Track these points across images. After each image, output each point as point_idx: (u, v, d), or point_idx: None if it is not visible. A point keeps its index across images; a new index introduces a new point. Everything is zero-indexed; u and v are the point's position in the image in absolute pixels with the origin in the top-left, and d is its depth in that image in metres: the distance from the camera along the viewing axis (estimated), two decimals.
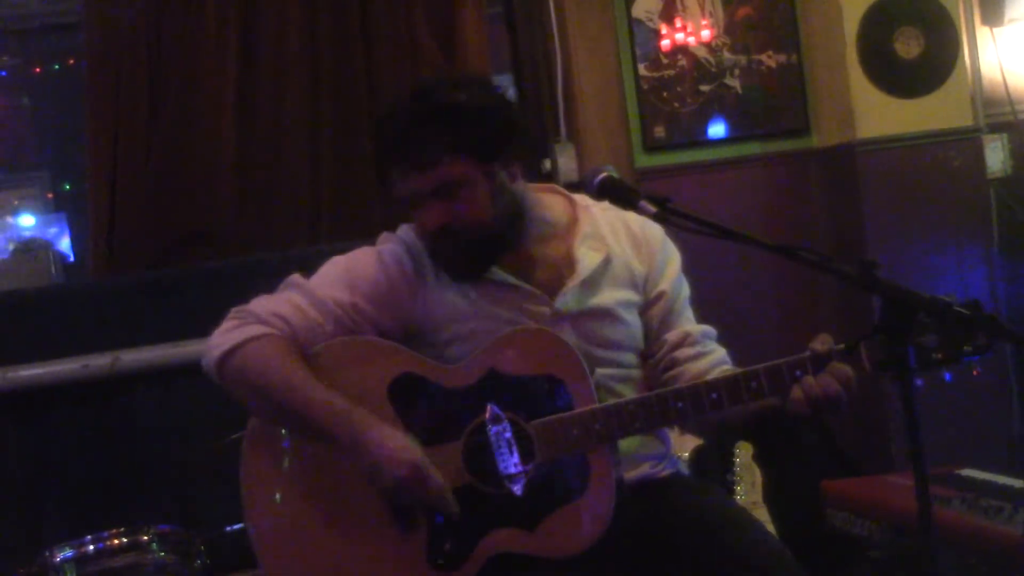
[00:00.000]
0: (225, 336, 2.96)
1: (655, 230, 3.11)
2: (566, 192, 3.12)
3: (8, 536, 4.21)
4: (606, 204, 2.98)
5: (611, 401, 2.88)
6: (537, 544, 2.84)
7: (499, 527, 2.86)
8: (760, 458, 3.97)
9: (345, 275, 3.04)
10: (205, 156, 4.59)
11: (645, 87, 4.91)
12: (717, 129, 5.03)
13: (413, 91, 2.92)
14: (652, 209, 2.75)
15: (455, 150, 2.87)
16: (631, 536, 2.88)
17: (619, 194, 2.82)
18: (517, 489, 2.86)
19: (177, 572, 3.29)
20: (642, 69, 4.91)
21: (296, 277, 3.05)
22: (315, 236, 4.59)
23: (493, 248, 2.98)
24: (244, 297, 3.10)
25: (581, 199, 3.11)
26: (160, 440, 4.35)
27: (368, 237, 3.17)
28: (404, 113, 2.89)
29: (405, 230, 3.09)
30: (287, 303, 2.99)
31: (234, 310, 3.02)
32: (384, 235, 3.13)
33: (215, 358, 2.95)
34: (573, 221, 3.09)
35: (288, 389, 2.88)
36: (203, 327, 4.28)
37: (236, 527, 3.08)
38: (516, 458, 2.86)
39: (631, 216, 3.06)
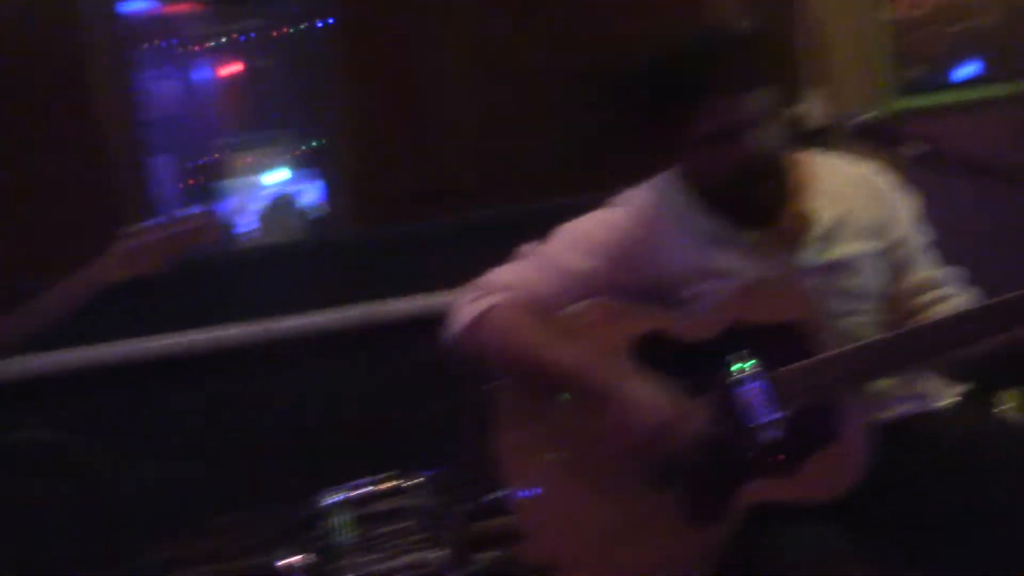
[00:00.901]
0: (466, 308, 3.00)
1: (889, 178, 3.05)
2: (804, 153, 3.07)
3: (284, 481, 4.37)
4: (837, 156, 2.95)
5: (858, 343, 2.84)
6: (794, 492, 2.80)
7: (753, 478, 2.83)
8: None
9: (581, 240, 3.03)
10: (449, 110, 4.64)
11: (895, 28, 4.78)
12: (969, 69, 4.89)
13: (706, 26, 2.86)
14: (920, 148, 2.73)
15: (769, 79, 2.81)
16: (889, 479, 2.82)
17: (882, 135, 2.79)
18: (769, 439, 2.83)
19: (444, 516, 3.38)
20: (892, 9, 4.79)
21: (530, 246, 3.06)
22: (558, 190, 4.57)
23: (781, 192, 2.95)
24: (489, 251, 3.13)
25: (812, 153, 3.06)
26: (417, 389, 4.44)
27: (607, 190, 3.14)
28: (719, 40, 2.83)
29: (660, 181, 3.06)
30: (525, 271, 3.02)
31: (473, 283, 3.05)
32: (625, 193, 3.10)
33: (458, 331, 3.01)
34: (807, 175, 3.04)
35: (531, 352, 2.89)
36: (451, 280, 4.39)
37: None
38: (766, 408, 2.83)
39: (863, 166, 3.01)
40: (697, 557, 2.84)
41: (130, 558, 4.19)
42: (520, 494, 2.96)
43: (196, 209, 2.97)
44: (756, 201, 2.92)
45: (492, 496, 3.05)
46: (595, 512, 2.90)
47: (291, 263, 4.72)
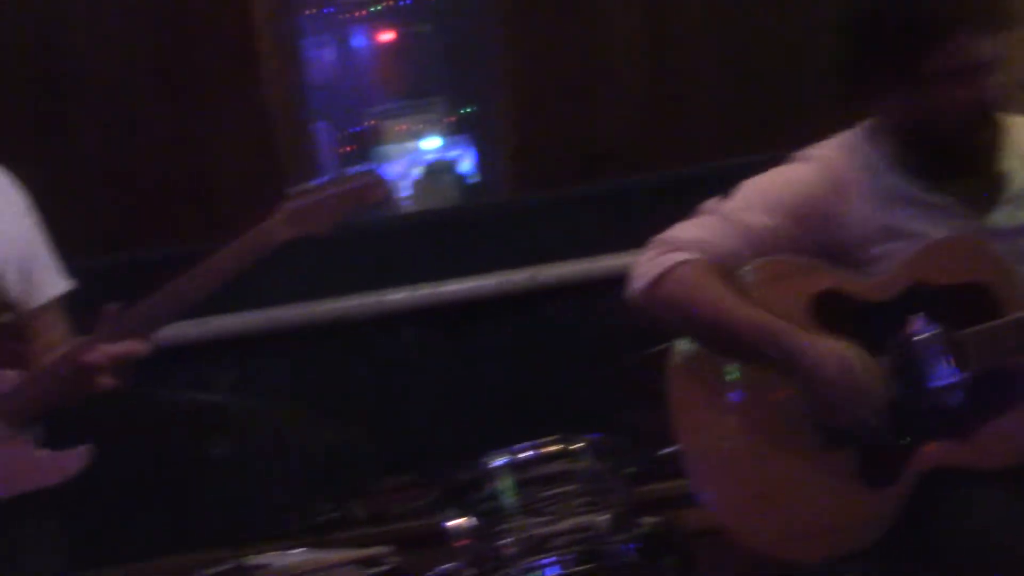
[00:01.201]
0: (649, 265, 2.97)
1: None
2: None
3: (445, 443, 4.39)
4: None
5: None
6: (972, 456, 2.77)
7: (932, 440, 2.79)
8: None
9: (765, 197, 2.99)
10: (615, 70, 4.58)
11: None
12: None
13: None
14: None
15: (1009, 23, 2.76)
16: None
17: None
18: (951, 400, 2.78)
19: (609, 479, 3.35)
20: None
21: (714, 202, 3.01)
22: (727, 150, 4.49)
23: (991, 145, 2.90)
24: (654, 216, 3.11)
25: (1008, 113, 2.96)
26: (579, 352, 4.45)
27: (776, 150, 3.11)
28: None
29: (850, 137, 3.01)
30: (707, 228, 2.98)
31: (655, 239, 3.02)
32: (812, 149, 3.05)
33: (641, 287, 2.97)
34: (1004, 135, 2.94)
35: (715, 311, 2.87)
36: (616, 243, 4.37)
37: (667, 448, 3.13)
38: (948, 369, 2.78)
39: None
40: (871, 518, 2.83)
41: (296, 519, 4.26)
42: (692, 452, 2.96)
43: (364, 168, 2.96)
44: (966, 152, 2.88)
45: (663, 452, 3.05)
46: (768, 472, 2.89)
47: (450, 229, 4.74)
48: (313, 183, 2.93)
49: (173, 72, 4.55)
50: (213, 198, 4.52)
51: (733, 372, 2.94)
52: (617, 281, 4.35)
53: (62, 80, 4.56)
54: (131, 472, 4.34)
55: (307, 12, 6.38)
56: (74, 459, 2.82)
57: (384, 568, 3.56)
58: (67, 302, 3.07)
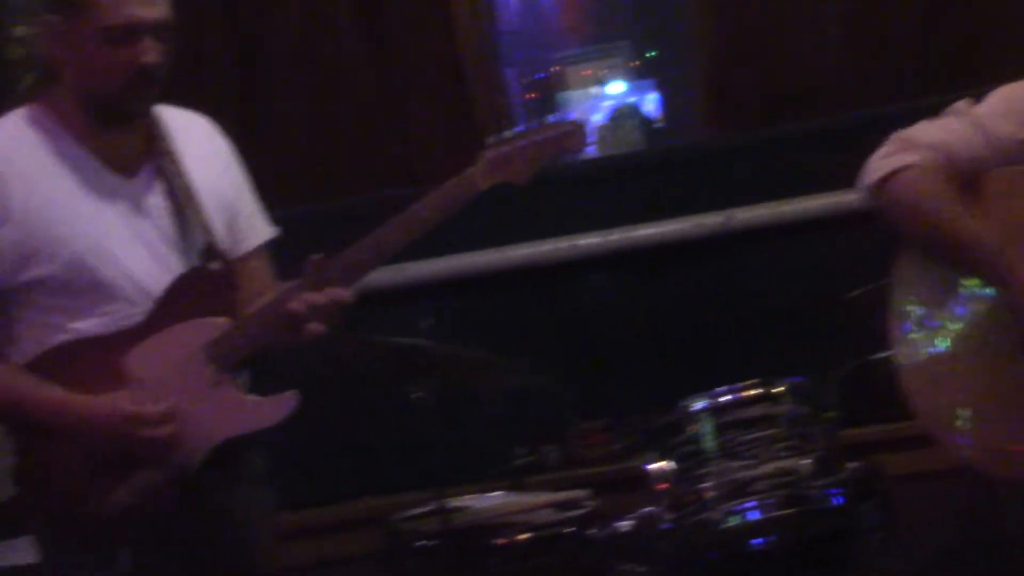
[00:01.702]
0: (882, 162, 2.93)
1: None
2: None
3: (638, 387, 4.38)
4: None
5: None
6: None
7: None
8: None
9: (1012, 104, 2.91)
10: (810, 6, 4.47)
11: None
12: None
13: None
14: None
15: None
16: None
17: None
18: None
19: (809, 423, 3.31)
20: None
21: (963, 104, 2.95)
22: (922, 88, 4.39)
23: None
24: (854, 155, 3.06)
25: None
26: (775, 295, 4.40)
27: (984, 86, 3.01)
28: None
29: None
30: (951, 131, 2.92)
31: (895, 135, 2.97)
32: None
33: (871, 182, 2.94)
34: None
35: (938, 223, 2.85)
36: (812, 185, 4.29)
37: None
38: None
39: None
40: None
41: (493, 463, 4.28)
42: (916, 359, 2.93)
43: (563, 116, 2.94)
44: None
45: (876, 357, 3.01)
46: (983, 387, 2.87)
47: (642, 173, 4.72)
48: (513, 131, 2.93)
49: (370, 24, 4.57)
50: (409, 148, 4.55)
51: (950, 287, 2.92)
52: (812, 224, 4.31)
53: (265, 34, 4.61)
54: (335, 415, 4.42)
55: None
56: (282, 405, 2.85)
57: (582, 511, 3.57)
58: (271, 250, 3.11)
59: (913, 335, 2.98)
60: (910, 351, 2.97)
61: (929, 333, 2.97)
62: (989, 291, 2.89)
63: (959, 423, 2.90)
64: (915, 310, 2.99)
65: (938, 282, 2.97)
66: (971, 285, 2.92)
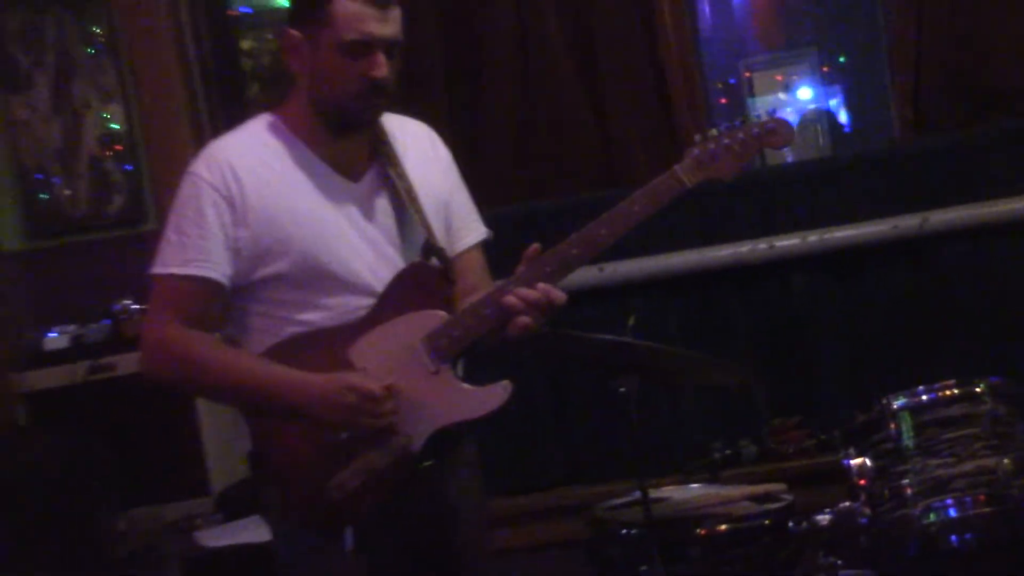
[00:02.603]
0: None
1: None
2: None
3: (834, 386, 4.36)
4: None
5: None
6: None
7: None
8: None
9: None
10: (1008, 8, 4.38)
11: None
12: None
13: None
14: None
15: None
16: None
17: None
18: None
19: (1010, 423, 3.26)
20: None
21: None
22: None
23: None
24: None
25: None
26: (972, 297, 4.34)
27: None
28: None
29: None
30: None
31: None
32: None
33: None
34: None
35: None
36: (1009, 187, 4.21)
37: None
38: None
39: None
40: None
41: (693, 456, 4.29)
42: None
43: (767, 115, 2.95)
44: None
45: None
46: None
47: (838, 175, 4.67)
48: (719, 129, 2.93)
49: (577, 35, 4.62)
50: (611, 151, 4.58)
51: None
52: (1009, 226, 4.24)
53: (478, 49, 4.69)
54: (544, 406, 4.48)
55: None
56: (497, 395, 2.88)
57: (779, 504, 3.57)
58: (485, 248, 3.16)
59: None
60: None
61: None
62: None
63: None
64: None
65: None
66: None
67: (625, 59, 4.56)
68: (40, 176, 4.75)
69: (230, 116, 4.20)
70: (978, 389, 3.27)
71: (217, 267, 2.88)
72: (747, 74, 7.13)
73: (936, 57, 4.44)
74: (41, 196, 4.76)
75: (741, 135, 2.91)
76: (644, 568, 3.40)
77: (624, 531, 3.52)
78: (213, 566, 3.93)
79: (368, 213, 2.96)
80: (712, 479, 4.04)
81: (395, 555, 2.94)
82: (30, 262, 4.76)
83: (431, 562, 3.00)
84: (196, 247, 2.88)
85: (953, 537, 3.20)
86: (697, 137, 2.94)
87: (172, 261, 2.90)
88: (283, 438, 2.91)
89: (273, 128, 2.97)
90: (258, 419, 2.95)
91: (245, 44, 4.95)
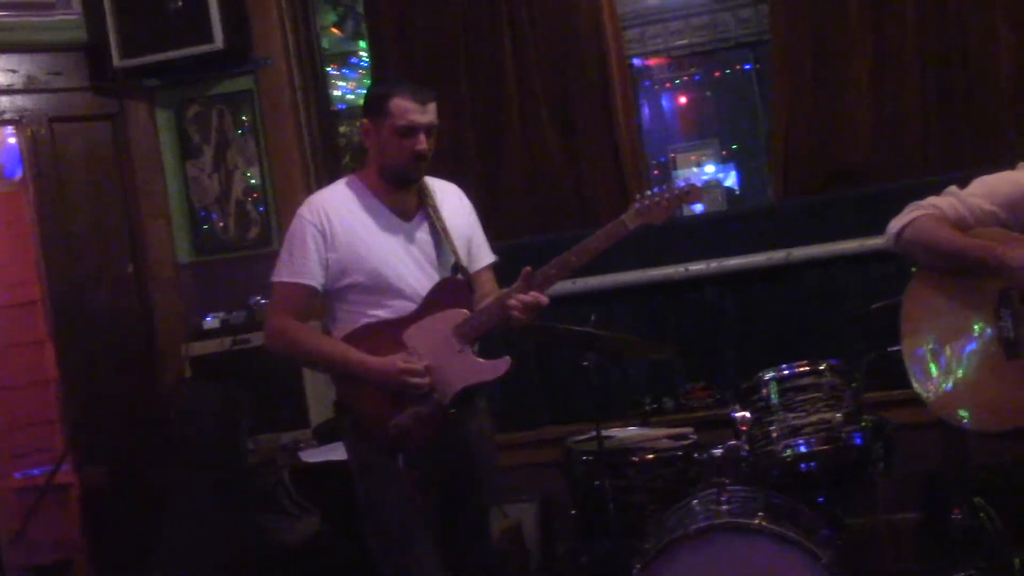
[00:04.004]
0: (902, 217, 2.89)
1: None
2: None
3: (732, 362, 4.30)
4: None
5: None
6: None
7: None
8: None
9: (988, 189, 2.85)
10: (850, 112, 4.26)
11: None
12: None
13: None
14: None
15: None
16: None
17: None
18: None
19: (842, 389, 3.20)
20: None
21: (954, 188, 2.89)
22: (928, 171, 4.15)
23: None
24: (878, 217, 3.02)
25: None
26: (821, 307, 4.24)
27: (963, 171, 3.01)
28: None
29: None
30: (945, 203, 2.87)
31: (909, 205, 2.92)
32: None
33: (895, 232, 2.88)
34: None
35: (947, 240, 2.79)
36: (850, 233, 4.14)
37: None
38: None
39: None
40: None
41: (632, 407, 4.23)
42: (911, 351, 2.90)
43: (686, 182, 2.92)
44: None
45: (892, 349, 2.99)
46: (965, 369, 2.83)
47: (732, 223, 4.58)
48: (653, 190, 2.91)
49: (563, 122, 4.55)
50: (584, 203, 4.53)
51: (951, 294, 2.87)
52: (849, 259, 4.17)
53: (497, 131, 4.58)
54: (534, 373, 4.43)
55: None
56: (501, 366, 2.89)
57: (688, 441, 3.52)
58: (495, 268, 3.14)
59: (918, 331, 2.93)
60: (914, 342, 2.92)
61: (930, 330, 2.92)
62: (974, 308, 2.83)
63: (950, 393, 2.86)
64: (928, 337, 2.92)
65: (937, 300, 2.91)
66: (960, 301, 2.86)
67: (595, 141, 4.49)
68: (204, 213, 4.72)
69: (330, 177, 4.17)
70: (821, 367, 3.23)
71: (314, 278, 2.88)
72: (672, 155, 7.03)
73: (798, 144, 4.35)
74: (204, 227, 4.72)
75: (667, 195, 2.89)
76: (597, 482, 3.35)
77: (585, 457, 3.48)
78: (310, 475, 3.91)
79: (416, 242, 2.96)
80: (644, 423, 3.98)
81: (433, 471, 2.93)
82: (196, 270, 4.73)
83: (457, 475, 2.99)
84: (300, 264, 2.87)
85: (803, 465, 3.15)
86: (637, 195, 2.92)
87: (284, 273, 2.90)
88: (357, 393, 2.89)
89: (353, 185, 2.96)
90: (339, 380, 2.94)
91: (342, 129, 4.93)
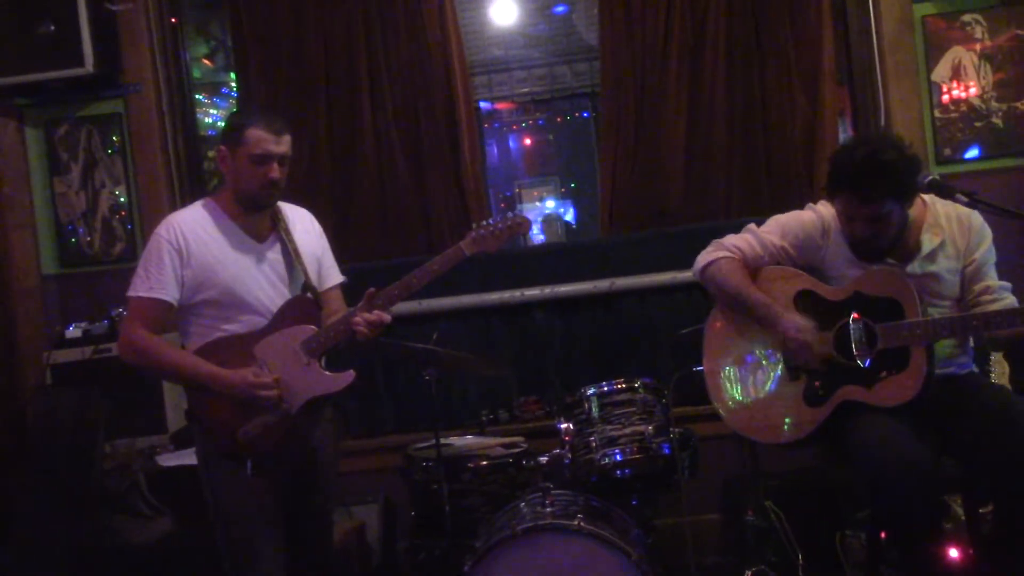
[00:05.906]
0: (705, 255, 3.01)
1: (976, 216, 2.84)
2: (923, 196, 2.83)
3: (560, 378, 4.29)
4: (944, 200, 2.75)
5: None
6: (872, 397, 2.72)
7: (849, 384, 2.76)
8: (1008, 357, 3.53)
9: (781, 227, 2.97)
10: (666, 158, 4.36)
11: (938, 124, 4.30)
12: (974, 152, 4.25)
13: (863, 145, 2.70)
14: (964, 199, 2.59)
15: (892, 196, 2.69)
16: (934, 401, 2.73)
17: (941, 190, 2.63)
18: (866, 362, 2.73)
19: (653, 405, 3.27)
20: (936, 112, 4.29)
21: (752, 225, 3.01)
22: (732, 212, 4.34)
23: (891, 247, 2.83)
24: (689, 253, 3.11)
25: (930, 198, 2.84)
26: (639, 331, 4.31)
27: (762, 215, 3.10)
28: (860, 162, 2.66)
29: (827, 209, 2.93)
30: (745, 240, 2.98)
31: (714, 241, 3.03)
32: (810, 206, 2.99)
33: (699, 268, 3.01)
34: (922, 214, 2.85)
35: (738, 290, 2.91)
36: (665, 266, 4.22)
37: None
38: (865, 344, 2.74)
39: (960, 206, 2.78)
40: (805, 423, 2.84)
41: (469, 418, 4.20)
42: (710, 370, 3.03)
43: (518, 214, 2.92)
44: (867, 250, 2.84)
45: (695, 368, 3.09)
46: (750, 385, 2.96)
47: (564, 253, 4.62)
48: (488, 221, 2.90)
49: (415, 157, 4.49)
50: (429, 230, 4.48)
51: (741, 325, 2.97)
52: (663, 289, 4.26)
53: (350, 165, 4.49)
54: (378, 385, 4.34)
55: (485, 125, 6.36)
56: (345, 378, 2.83)
57: (519, 449, 3.52)
58: (343, 288, 3.08)
59: (716, 354, 3.04)
60: (714, 363, 3.03)
61: (725, 353, 3.03)
62: (763, 334, 2.93)
63: (737, 408, 3.00)
64: (720, 341, 3.03)
65: (734, 329, 3.01)
66: (752, 331, 2.96)
67: (442, 175, 4.46)
68: (71, 227, 4.48)
69: (196, 198, 4.01)
70: (636, 385, 3.29)
71: (169, 293, 2.76)
72: (518, 190, 7.09)
73: (623, 186, 4.44)
74: (71, 240, 4.47)
75: (500, 225, 2.88)
76: (435, 486, 3.31)
77: (425, 463, 3.44)
78: (166, 478, 3.74)
79: (268, 262, 2.88)
80: (480, 433, 3.97)
81: (279, 475, 2.83)
82: (61, 282, 4.49)
83: (302, 480, 2.90)
84: (156, 279, 2.75)
85: (618, 472, 3.20)
86: (474, 224, 2.90)
87: (141, 288, 2.77)
88: (208, 403, 2.79)
89: (209, 206, 2.86)
90: (191, 390, 2.82)
91: (210, 154, 4.76)
